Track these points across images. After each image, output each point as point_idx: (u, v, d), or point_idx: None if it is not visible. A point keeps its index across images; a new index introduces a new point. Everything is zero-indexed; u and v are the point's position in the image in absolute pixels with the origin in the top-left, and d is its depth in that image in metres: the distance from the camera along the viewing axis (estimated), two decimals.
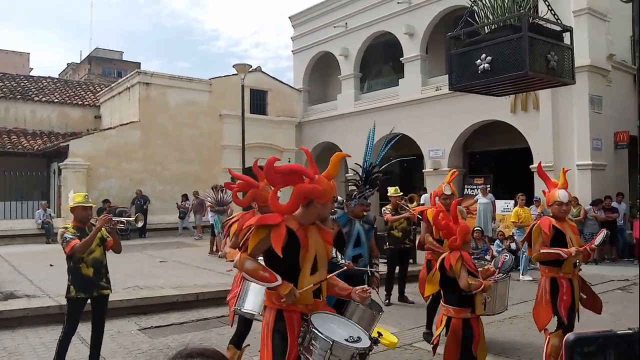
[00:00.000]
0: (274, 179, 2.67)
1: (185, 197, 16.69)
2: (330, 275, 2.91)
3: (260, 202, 3.96)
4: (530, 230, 4.31)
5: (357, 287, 2.87)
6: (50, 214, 15.93)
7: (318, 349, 2.46)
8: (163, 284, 8.24)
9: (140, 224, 4.72)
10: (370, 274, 4.49)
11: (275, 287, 2.60)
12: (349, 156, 3.06)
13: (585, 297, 4.35)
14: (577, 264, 4.20)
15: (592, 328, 4.92)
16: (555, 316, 4.19)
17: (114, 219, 4.48)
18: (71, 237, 4.26)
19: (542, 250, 4.11)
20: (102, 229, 4.39)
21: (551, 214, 4.30)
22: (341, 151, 4.84)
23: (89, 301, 4.49)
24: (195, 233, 16.05)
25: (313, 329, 2.51)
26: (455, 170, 6.71)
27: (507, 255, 4.03)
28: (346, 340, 2.50)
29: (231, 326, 4.26)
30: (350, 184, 4.52)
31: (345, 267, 4.03)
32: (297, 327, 2.63)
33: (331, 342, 2.43)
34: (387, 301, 7.46)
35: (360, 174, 4.42)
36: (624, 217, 12.04)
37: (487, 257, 9.45)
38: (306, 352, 2.52)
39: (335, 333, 2.52)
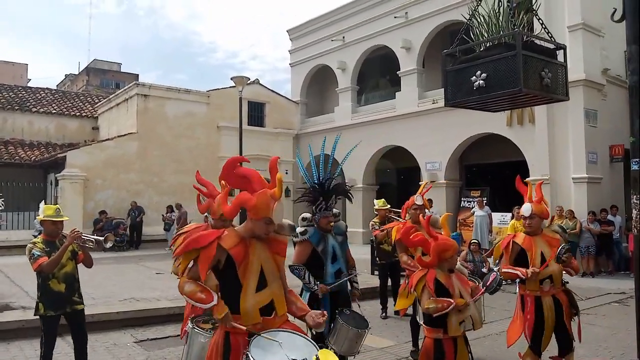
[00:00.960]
0: (229, 178, 2.64)
1: (170, 209, 16.51)
2: (289, 289, 2.80)
3: (213, 215, 3.88)
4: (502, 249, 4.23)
5: (313, 312, 2.72)
6: None
7: None
8: (159, 295, 8.21)
9: (109, 245, 4.52)
10: (350, 286, 4.40)
11: (211, 308, 2.53)
12: (286, 174, 2.99)
13: (575, 312, 4.18)
14: (550, 280, 4.00)
15: (591, 342, 4.87)
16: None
17: (82, 236, 4.28)
18: (39, 253, 4.12)
19: (502, 269, 4.05)
20: (78, 248, 4.30)
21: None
22: (338, 163, 4.79)
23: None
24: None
25: (247, 355, 2.40)
26: (428, 182, 6.66)
27: (496, 275, 3.93)
28: None
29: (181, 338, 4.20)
30: (302, 200, 4.35)
31: (319, 293, 4.01)
32: (243, 350, 2.49)
33: None
34: (383, 315, 7.46)
35: (316, 188, 4.26)
36: (620, 230, 12.09)
37: (484, 270, 9.46)
38: None
39: (269, 358, 2.38)
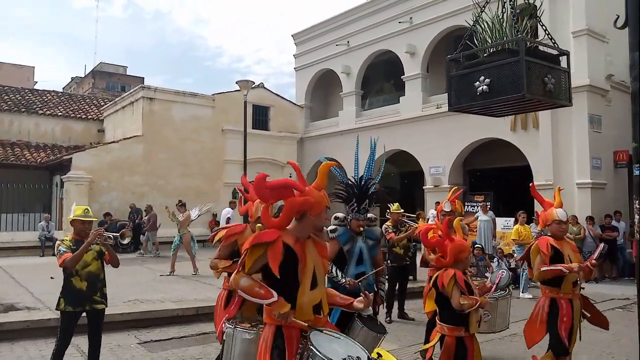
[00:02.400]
0: (264, 194, 2.65)
1: (147, 210, 16.11)
2: (327, 289, 2.91)
3: (251, 217, 4.04)
4: (528, 250, 4.29)
5: (358, 299, 2.88)
6: (52, 227, 15.96)
7: None
8: (163, 297, 8.24)
9: (126, 241, 4.71)
10: (375, 292, 4.31)
11: (272, 303, 2.57)
12: (339, 165, 3.08)
13: (589, 315, 4.30)
14: (579, 282, 4.16)
15: (594, 348, 4.88)
16: (549, 336, 4.14)
17: (104, 233, 4.42)
18: (65, 250, 4.28)
19: (543, 268, 4.07)
20: (99, 244, 4.40)
21: (549, 233, 4.33)
22: (381, 169, 4.85)
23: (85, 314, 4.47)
24: (152, 250, 15.32)
25: (311, 347, 2.47)
26: (456, 187, 6.73)
27: (504, 271, 4.02)
28: (344, 359, 2.45)
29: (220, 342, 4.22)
30: (336, 198, 4.23)
31: (347, 285, 3.98)
32: (296, 344, 2.59)
33: None
34: (387, 318, 7.47)
35: (352, 188, 4.24)
36: (624, 235, 12.06)
37: (487, 274, 9.45)
38: None
39: (333, 352, 2.48)
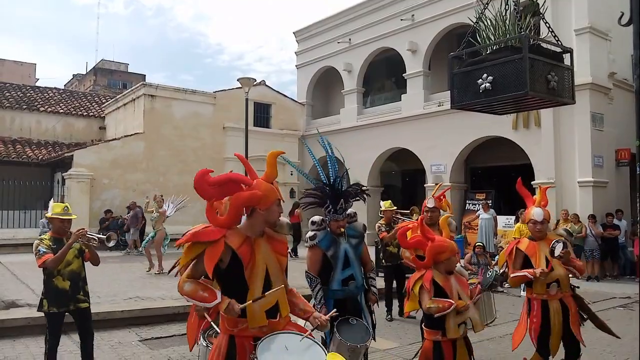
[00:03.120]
0: (208, 192, 2.44)
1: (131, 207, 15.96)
2: (290, 288, 2.70)
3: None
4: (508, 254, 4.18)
5: (316, 313, 2.66)
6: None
7: None
8: (164, 295, 8.25)
9: (112, 244, 4.56)
10: (366, 290, 4.13)
11: (216, 305, 2.43)
12: (284, 153, 2.87)
13: (586, 317, 4.21)
14: (558, 283, 3.97)
15: (595, 347, 4.83)
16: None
17: (87, 234, 4.31)
18: (45, 250, 4.17)
19: (511, 275, 4.04)
20: (82, 245, 4.33)
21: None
22: (344, 165, 4.67)
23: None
24: (131, 249, 15.13)
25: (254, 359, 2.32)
26: (442, 183, 6.64)
27: (490, 271, 3.95)
28: None
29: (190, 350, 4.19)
30: (306, 201, 4.02)
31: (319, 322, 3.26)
32: (248, 353, 2.42)
33: None
34: (388, 317, 7.46)
35: (323, 189, 3.96)
36: (625, 234, 12.04)
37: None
38: None
39: None
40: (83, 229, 4.36)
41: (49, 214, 4.37)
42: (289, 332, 2.49)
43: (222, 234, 2.44)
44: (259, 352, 2.31)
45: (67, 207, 4.42)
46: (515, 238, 10.63)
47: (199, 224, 2.60)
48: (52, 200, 4.68)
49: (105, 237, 4.48)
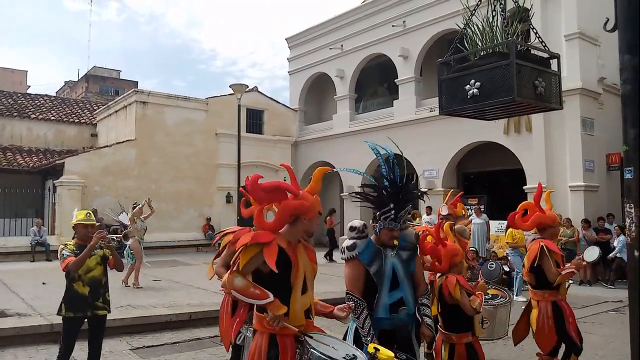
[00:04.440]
0: (259, 196, 2.64)
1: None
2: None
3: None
4: (537, 255, 4.09)
5: (340, 306, 2.80)
6: (44, 232, 15.82)
7: None
8: (156, 303, 8.19)
9: (130, 241, 4.68)
10: (420, 322, 3.26)
11: (267, 304, 2.53)
12: (333, 170, 3.01)
13: None
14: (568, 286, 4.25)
15: (587, 351, 4.87)
16: (563, 342, 4.16)
17: (107, 236, 4.41)
18: (68, 254, 4.21)
19: (564, 271, 4.01)
20: (104, 247, 4.37)
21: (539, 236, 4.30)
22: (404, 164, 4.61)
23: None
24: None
25: (310, 349, 2.44)
26: (454, 190, 6.66)
27: (493, 264, 4.05)
28: (344, 358, 2.44)
29: (227, 351, 4.18)
30: (363, 201, 3.33)
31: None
32: (290, 352, 2.55)
33: None
34: None
35: (390, 188, 3.23)
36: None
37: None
38: None
39: (331, 352, 2.47)
40: (103, 231, 4.45)
41: (73, 221, 4.43)
42: (332, 337, 2.68)
43: (273, 237, 2.59)
44: (308, 339, 2.51)
45: (90, 213, 4.50)
46: (508, 243, 10.77)
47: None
48: (76, 209, 4.78)
49: (122, 235, 4.56)
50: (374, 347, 2.56)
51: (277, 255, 2.52)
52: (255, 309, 2.72)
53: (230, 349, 4.04)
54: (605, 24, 2.98)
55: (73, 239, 4.53)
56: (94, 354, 4.45)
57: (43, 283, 9.78)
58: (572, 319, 4.10)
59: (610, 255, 11.32)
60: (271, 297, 2.52)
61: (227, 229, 4.23)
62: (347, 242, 3.18)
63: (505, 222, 12.45)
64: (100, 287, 4.37)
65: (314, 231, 2.74)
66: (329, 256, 14.96)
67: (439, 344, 3.81)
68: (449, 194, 6.11)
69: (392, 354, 2.57)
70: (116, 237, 4.55)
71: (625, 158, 2.94)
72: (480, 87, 3.11)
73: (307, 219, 2.66)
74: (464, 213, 6.16)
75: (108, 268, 4.46)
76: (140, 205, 10.23)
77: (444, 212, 5.44)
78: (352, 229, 3.24)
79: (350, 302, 3.00)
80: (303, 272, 2.66)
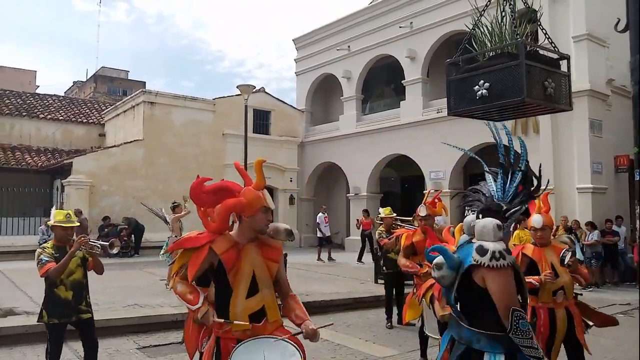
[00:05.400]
0: (202, 199, 2.58)
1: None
2: (292, 294, 2.75)
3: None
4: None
5: (309, 321, 2.60)
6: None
7: None
8: (162, 302, 8.21)
9: (115, 251, 4.47)
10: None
11: (196, 309, 2.55)
12: (265, 161, 2.83)
13: (592, 323, 4.15)
14: (564, 291, 3.94)
15: (596, 354, 4.78)
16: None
17: (90, 242, 4.21)
18: (47, 259, 4.05)
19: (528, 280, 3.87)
20: (85, 253, 4.23)
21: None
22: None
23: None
24: None
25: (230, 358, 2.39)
26: (432, 189, 6.56)
27: None
28: None
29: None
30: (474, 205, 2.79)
31: None
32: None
33: None
34: (388, 324, 7.44)
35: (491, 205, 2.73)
36: (625, 240, 12.02)
37: None
38: None
39: None
40: (85, 236, 4.27)
41: (51, 222, 4.28)
42: (271, 337, 2.49)
43: (207, 240, 2.54)
44: (234, 354, 2.37)
45: (70, 215, 4.32)
46: (514, 245, 10.70)
47: (195, 230, 2.69)
48: (53, 208, 4.59)
49: (107, 244, 4.40)
50: None
51: (202, 261, 2.49)
52: None
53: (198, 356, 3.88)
54: (617, 24, 2.95)
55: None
56: (91, 353, 4.36)
57: None
58: (543, 328, 3.90)
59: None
60: (198, 304, 2.54)
61: (187, 234, 4.16)
62: (492, 246, 2.50)
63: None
64: (83, 289, 4.27)
65: (261, 228, 2.61)
66: (360, 259, 14.83)
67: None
68: (427, 193, 5.98)
69: None
70: (100, 243, 4.38)
71: (636, 159, 2.91)
72: (490, 88, 3.09)
73: (247, 216, 2.57)
74: (444, 212, 6.09)
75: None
76: (182, 205, 10.42)
77: (423, 212, 5.34)
78: (499, 227, 2.59)
79: (516, 320, 2.31)
80: (249, 273, 2.55)
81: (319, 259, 15.30)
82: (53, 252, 4.15)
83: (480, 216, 2.67)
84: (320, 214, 16.28)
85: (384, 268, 7.73)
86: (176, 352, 5.99)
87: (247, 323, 2.51)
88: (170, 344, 6.34)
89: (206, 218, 2.62)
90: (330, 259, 15.32)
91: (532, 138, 13.35)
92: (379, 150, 17.67)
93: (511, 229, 2.90)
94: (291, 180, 20.47)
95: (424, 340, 5.44)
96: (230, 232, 2.65)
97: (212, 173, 19.82)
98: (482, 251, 2.45)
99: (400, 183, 20.28)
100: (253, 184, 2.65)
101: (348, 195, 18.73)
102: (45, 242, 12.83)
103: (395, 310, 7.55)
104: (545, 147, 12.85)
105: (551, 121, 12.48)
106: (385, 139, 17.48)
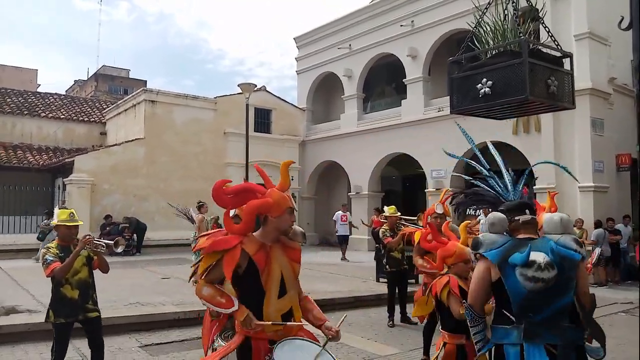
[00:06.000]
0: (224, 201, 2.56)
1: (48, 215, 14.93)
2: (306, 295, 2.77)
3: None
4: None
5: (328, 324, 2.64)
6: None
7: None
8: (164, 300, 8.23)
9: (120, 249, 4.47)
10: None
11: (233, 312, 2.52)
12: (294, 162, 2.89)
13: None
14: None
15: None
16: None
17: (94, 240, 4.22)
18: (52, 259, 4.07)
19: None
20: (90, 252, 4.24)
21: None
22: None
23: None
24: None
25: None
26: (447, 189, 6.65)
27: None
28: None
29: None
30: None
31: None
32: (263, 357, 2.50)
33: None
34: (390, 323, 7.44)
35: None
36: (628, 239, 12.01)
37: None
38: None
39: None
40: (90, 235, 4.28)
41: (54, 221, 4.27)
42: (305, 339, 2.56)
43: (238, 241, 2.53)
44: (275, 351, 2.40)
45: (73, 214, 4.31)
46: None
47: (211, 230, 2.70)
48: (56, 207, 4.63)
49: (112, 242, 4.40)
50: None
51: (237, 262, 2.47)
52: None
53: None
54: (620, 22, 2.95)
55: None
56: (97, 353, 4.37)
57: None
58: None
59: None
60: (235, 306, 2.50)
61: (206, 232, 4.18)
62: (492, 236, 2.76)
63: None
64: (89, 288, 4.27)
65: (286, 229, 2.63)
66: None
67: (439, 340, 3.78)
68: (443, 192, 6.11)
69: None
70: (105, 242, 4.38)
71: (638, 158, 2.90)
72: (492, 86, 3.09)
73: (273, 216, 2.57)
74: (450, 213, 6.19)
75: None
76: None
77: (439, 210, 5.61)
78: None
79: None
80: (279, 274, 2.57)
81: (343, 258, 15.15)
82: (57, 251, 4.16)
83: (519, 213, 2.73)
84: (337, 212, 16.14)
85: (387, 267, 7.74)
86: (178, 350, 6.00)
87: (294, 323, 2.54)
88: (172, 342, 6.35)
89: (230, 219, 2.62)
90: (343, 258, 15.23)
91: (534, 136, 13.35)
92: (380, 149, 17.66)
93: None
94: (292, 179, 20.47)
95: (428, 338, 5.45)
96: (253, 234, 2.63)
97: (214, 172, 19.94)
98: (579, 244, 2.61)
99: (402, 182, 20.27)
100: (278, 184, 2.67)
101: (349, 193, 18.73)
102: (44, 236, 12.50)
103: (397, 309, 7.56)
104: (546, 146, 12.83)
105: (553, 119, 12.46)
106: (387, 137, 17.47)
